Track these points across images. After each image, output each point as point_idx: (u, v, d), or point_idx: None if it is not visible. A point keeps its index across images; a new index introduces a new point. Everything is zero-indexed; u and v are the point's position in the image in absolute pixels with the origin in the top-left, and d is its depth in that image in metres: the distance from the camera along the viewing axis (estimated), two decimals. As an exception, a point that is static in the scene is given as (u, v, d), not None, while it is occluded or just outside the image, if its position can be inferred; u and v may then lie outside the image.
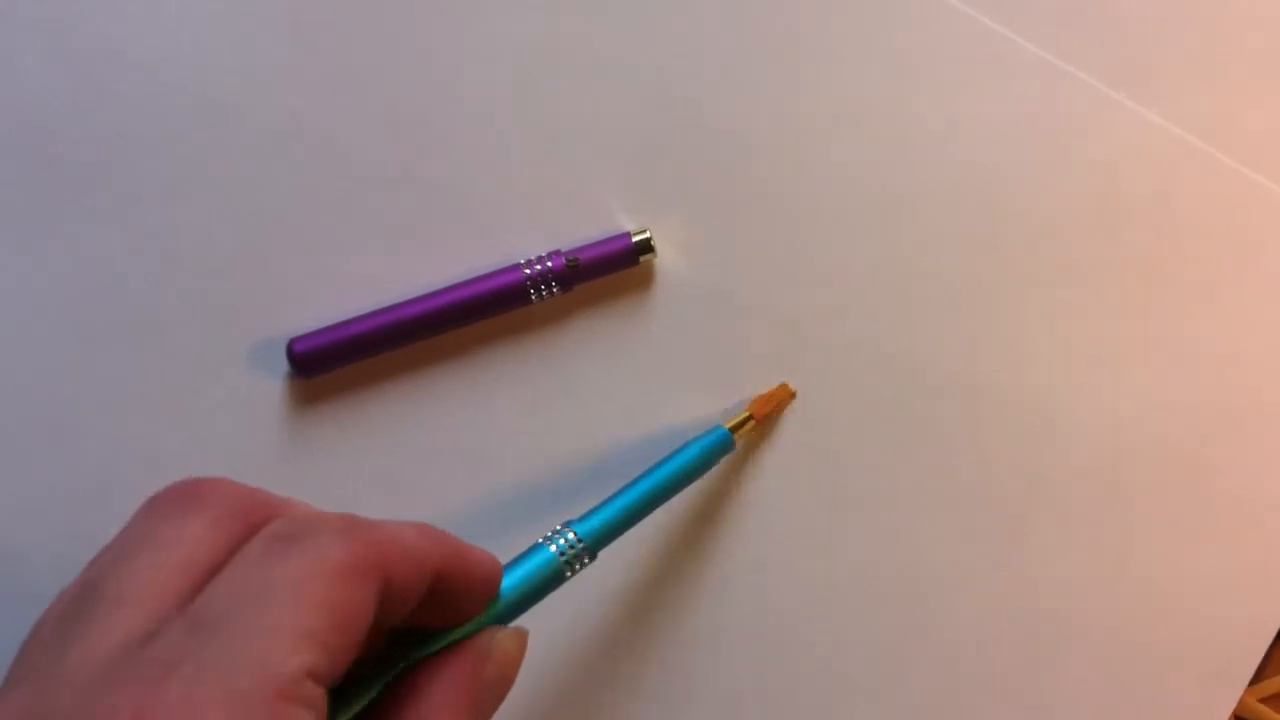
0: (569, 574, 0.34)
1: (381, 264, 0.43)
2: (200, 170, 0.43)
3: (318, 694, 0.25)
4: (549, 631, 0.41)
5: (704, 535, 0.43)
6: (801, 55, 0.43)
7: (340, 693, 0.29)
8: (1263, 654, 0.43)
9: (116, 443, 0.42)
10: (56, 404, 0.42)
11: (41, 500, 0.42)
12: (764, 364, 0.43)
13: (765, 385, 0.43)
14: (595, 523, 0.36)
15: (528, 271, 0.42)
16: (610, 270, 0.42)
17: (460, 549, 0.30)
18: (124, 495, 0.41)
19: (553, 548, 0.34)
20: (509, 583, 0.33)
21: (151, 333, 0.42)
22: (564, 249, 0.42)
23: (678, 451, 0.39)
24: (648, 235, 0.42)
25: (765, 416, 0.42)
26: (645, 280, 0.43)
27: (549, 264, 0.42)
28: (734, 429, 0.41)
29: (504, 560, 0.33)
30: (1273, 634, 0.43)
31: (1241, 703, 0.43)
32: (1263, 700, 0.43)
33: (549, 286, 0.42)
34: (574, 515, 0.36)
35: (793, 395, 0.42)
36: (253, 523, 0.28)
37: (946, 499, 0.43)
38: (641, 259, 0.42)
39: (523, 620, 0.33)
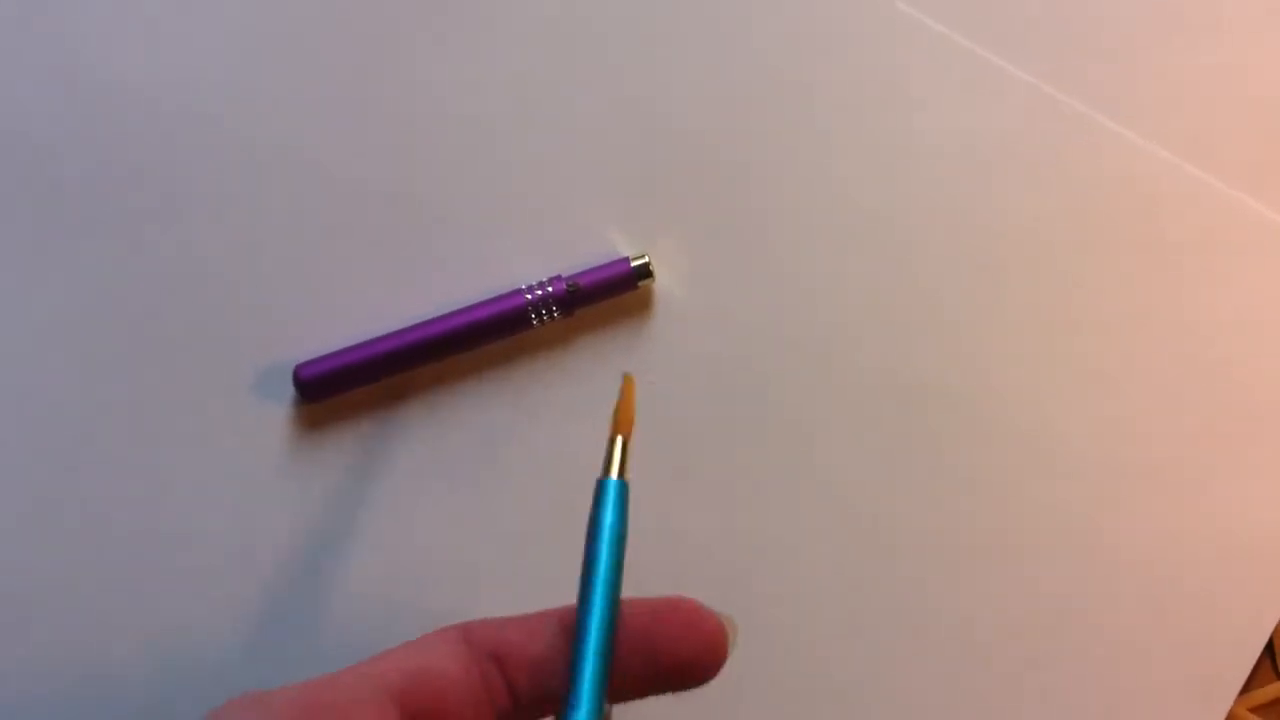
0: None
1: (385, 290, 0.43)
2: (204, 196, 0.43)
3: None
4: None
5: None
6: (793, 83, 0.44)
7: None
8: (1253, 664, 0.43)
9: (121, 467, 0.42)
10: (61, 428, 0.42)
11: (44, 524, 0.42)
12: (763, 385, 0.44)
13: (760, 405, 0.43)
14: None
15: (529, 296, 0.42)
16: (610, 294, 0.43)
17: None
18: (129, 519, 0.42)
19: None
20: None
21: (157, 358, 0.43)
22: (564, 274, 0.43)
23: (591, 562, 0.31)
24: (646, 260, 0.43)
25: (629, 421, 0.33)
26: (644, 304, 0.44)
27: (550, 289, 0.42)
28: (614, 472, 0.32)
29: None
30: (1263, 644, 0.43)
31: (1232, 713, 0.43)
32: (1253, 709, 0.44)
33: (550, 311, 0.42)
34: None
35: (632, 380, 0.34)
36: None
37: (940, 512, 0.43)
38: (640, 283, 0.43)
39: None
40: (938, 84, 0.45)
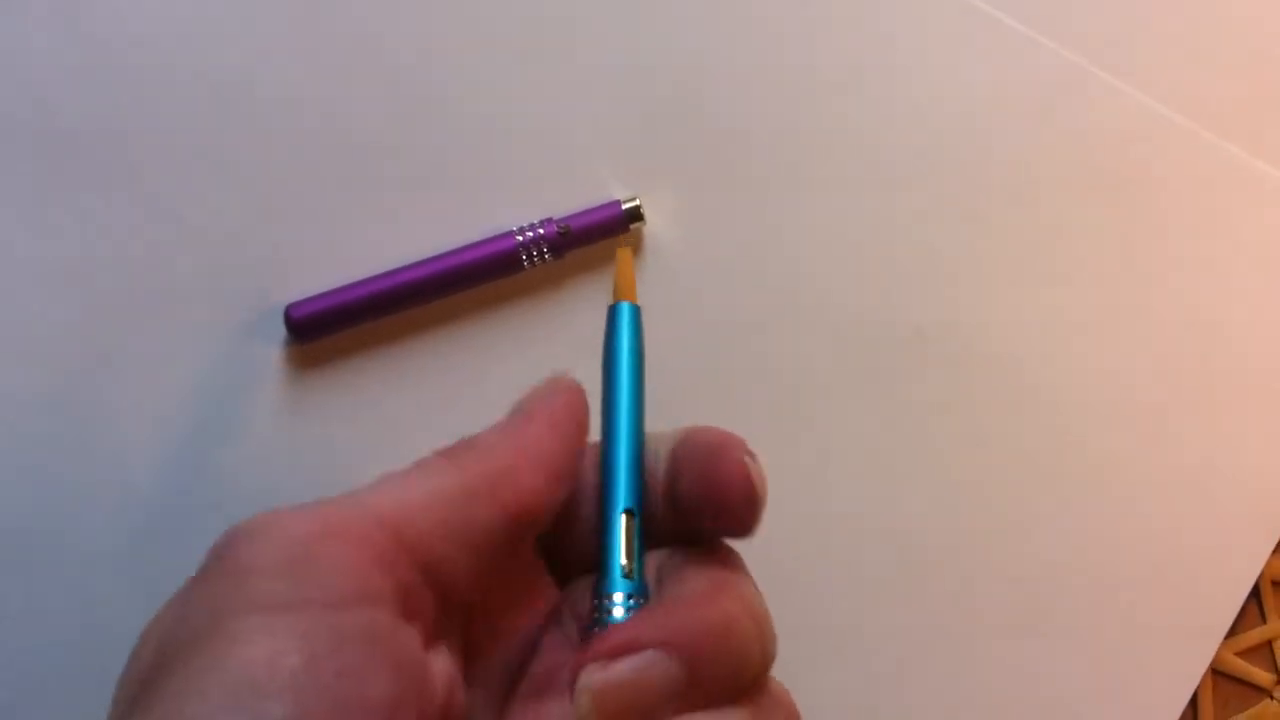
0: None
1: (377, 233, 0.43)
2: (200, 142, 0.43)
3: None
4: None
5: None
6: (788, 30, 0.45)
7: None
8: (1238, 608, 0.44)
9: (118, 408, 0.42)
10: (59, 371, 0.42)
11: (40, 465, 0.42)
12: (752, 328, 0.44)
13: (751, 349, 0.44)
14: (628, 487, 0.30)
15: (520, 238, 0.43)
16: (601, 237, 0.43)
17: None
18: (126, 460, 0.42)
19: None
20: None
21: (152, 300, 0.43)
22: (556, 217, 0.43)
23: (613, 373, 0.31)
24: (637, 203, 0.43)
25: (629, 288, 0.33)
26: (635, 247, 0.44)
27: (541, 231, 0.43)
28: (626, 297, 0.32)
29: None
30: (1248, 589, 0.44)
31: (1218, 656, 0.44)
32: (1238, 653, 0.44)
33: (541, 253, 0.43)
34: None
35: (627, 251, 0.34)
36: None
37: (929, 461, 0.44)
38: (631, 226, 0.43)
39: None
40: (932, 34, 0.45)
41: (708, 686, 0.25)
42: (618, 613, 0.27)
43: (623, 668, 0.24)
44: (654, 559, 0.29)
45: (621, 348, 0.31)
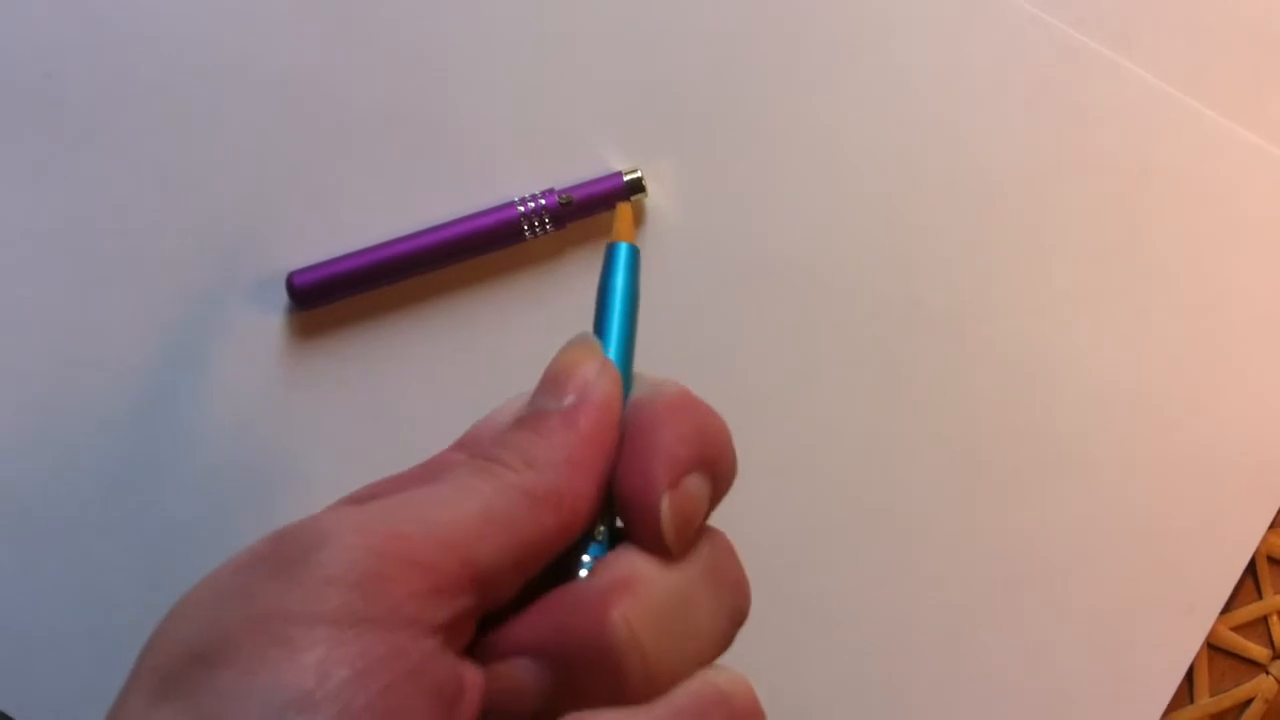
0: None
1: (380, 203, 0.44)
2: (203, 110, 0.44)
3: None
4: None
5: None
6: (789, 4, 0.44)
7: None
8: (1234, 584, 0.44)
9: (118, 374, 0.43)
10: (60, 339, 0.43)
11: (45, 435, 0.42)
12: (751, 302, 0.44)
13: (749, 321, 0.44)
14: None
15: (522, 209, 0.43)
16: (602, 208, 0.43)
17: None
18: (129, 429, 0.43)
19: None
20: None
21: (156, 268, 0.43)
22: (558, 188, 0.43)
23: (605, 312, 0.31)
24: (639, 174, 0.43)
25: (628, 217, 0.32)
26: (636, 219, 0.44)
27: (543, 201, 0.43)
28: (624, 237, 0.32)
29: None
30: (1244, 565, 0.44)
31: (1214, 631, 0.44)
32: (1235, 628, 0.44)
33: (543, 224, 0.43)
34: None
35: (627, 205, 0.33)
36: None
37: (927, 437, 0.44)
38: (633, 198, 0.43)
39: None
40: (932, 8, 0.45)
41: (585, 690, 0.25)
42: (583, 574, 0.27)
43: (495, 673, 0.25)
44: None
45: (615, 287, 0.30)
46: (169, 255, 0.43)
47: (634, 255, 0.31)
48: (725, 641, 0.27)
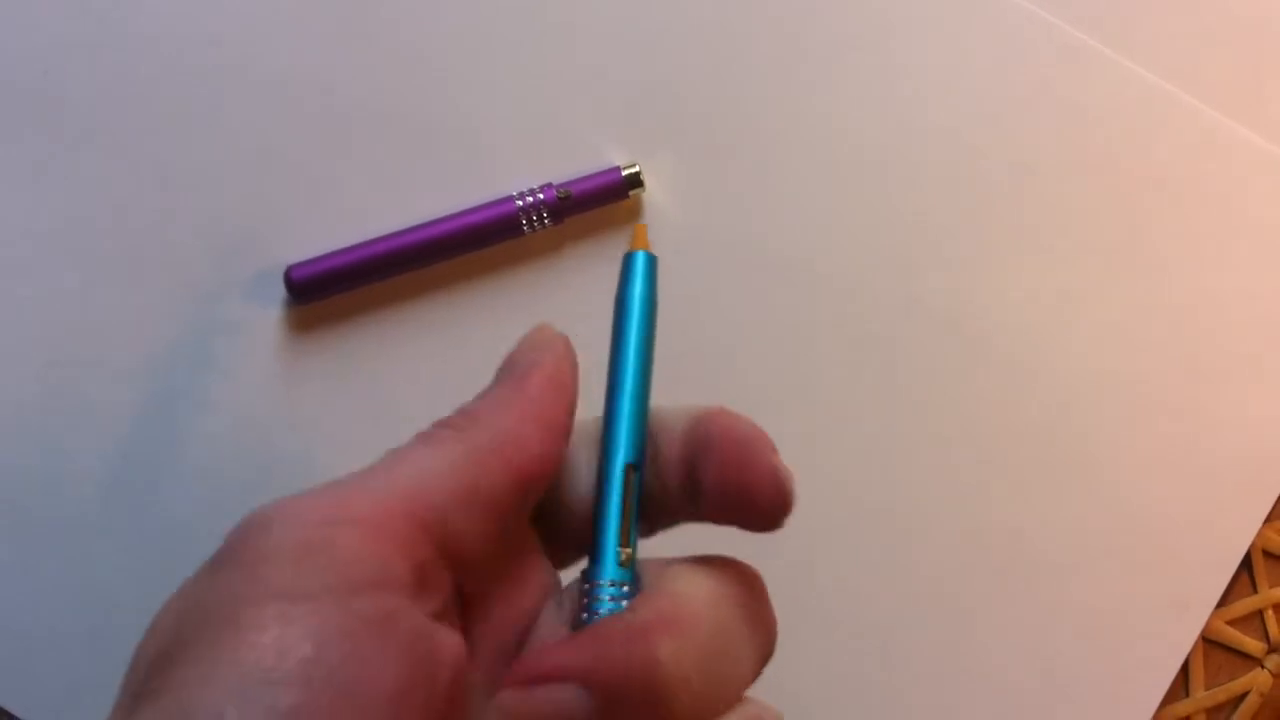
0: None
1: (378, 198, 0.44)
2: (202, 107, 0.43)
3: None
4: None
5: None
6: (789, 2, 0.45)
7: None
8: (1229, 578, 0.44)
9: (120, 371, 0.43)
10: (60, 336, 0.43)
11: (44, 431, 0.42)
12: (749, 297, 0.44)
13: (748, 317, 0.44)
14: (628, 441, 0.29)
15: (520, 203, 0.43)
16: (600, 203, 0.43)
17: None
18: (128, 422, 0.43)
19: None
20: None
21: (154, 263, 0.43)
22: (556, 183, 0.43)
23: (623, 323, 0.31)
24: (637, 170, 0.43)
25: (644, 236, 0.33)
26: (634, 214, 0.44)
27: (541, 196, 0.43)
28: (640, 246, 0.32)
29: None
30: (1239, 559, 0.44)
31: (1209, 625, 0.44)
32: (1230, 622, 0.44)
33: (541, 218, 0.43)
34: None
35: (643, 227, 0.33)
36: None
37: (924, 434, 0.44)
38: (631, 193, 0.43)
39: None
40: (934, 8, 0.45)
41: None
42: (605, 605, 0.27)
43: (539, 697, 0.25)
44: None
45: (633, 296, 0.31)
46: (167, 250, 0.43)
47: (651, 264, 0.31)
48: (754, 680, 0.27)
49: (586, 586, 0.27)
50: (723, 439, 0.28)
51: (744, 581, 0.28)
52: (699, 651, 0.25)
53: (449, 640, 0.25)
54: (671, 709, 0.25)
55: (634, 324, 0.30)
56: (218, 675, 0.22)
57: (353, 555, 0.23)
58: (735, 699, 0.26)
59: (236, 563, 0.23)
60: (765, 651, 0.28)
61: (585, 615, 0.27)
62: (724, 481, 0.27)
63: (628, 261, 0.31)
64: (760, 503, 0.27)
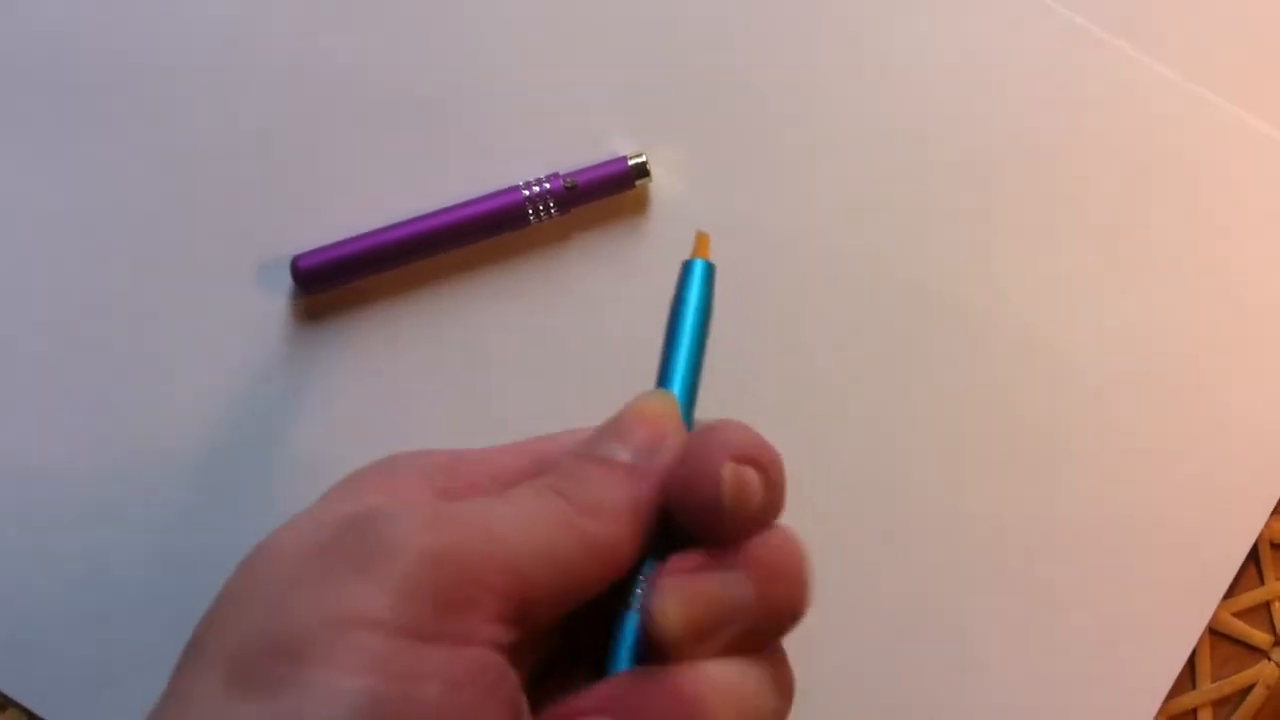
0: None
1: (385, 187, 0.44)
2: (209, 93, 0.43)
3: None
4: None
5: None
6: (795, -15, 0.44)
7: None
8: (1236, 569, 0.44)
9: (125, 358, 0.43)
10: (68, 323, 0.43)
11: (52, 413, 0.43)
12: (757, 287, 0.44)
13: (758, 307, 0.44)
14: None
15: (527, 193, 0.43)
16: (607, 193, 0.43)
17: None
18: (135, 411, 0.43)
19: None
20: None
21: (160, 250, 0.43)
22: (563, 172, 0.43)
23: (679, 315, 0.31)
24: (644, 159, 0.43)
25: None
26: (641, 204, 0.44)
27: (547, 186, 0.43)
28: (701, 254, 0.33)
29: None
30: (1246, 550, 0.44)
31: (1216, 617, 0.44)
32: (1236, 614, 0.44)
33: (547, 208, 0.43)
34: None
35: (705, 236, 0.34)
36: None
37: (930, 423, 0.44)
38: (638, 183, 0.43)
39: None
40: (938, -10, 0.45)
41: None
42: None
43: None
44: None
45: (689, 305, 0.31)
46: (173, 240, 0.43)
47: (709, 274, 0.31)
48: None
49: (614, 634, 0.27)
50: (698, 439, 0.28)
51: (778, 657, 0.28)
52: (730, 697, 0.26)
53: (527, 705, 0.25)
54: None
55: (687, 333, 0.30)
56: (344, 695, 0.22)
57: (481, 618, 0.24)
58: None
59: (375, 581, 0.23)
60: (784, 716, 0.28)
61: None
62: (677, 480, 0.27)
63: (685, 270, 0.31)
64: (698, 499, 0.27)
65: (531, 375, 0.43)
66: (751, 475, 0.27)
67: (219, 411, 0.43)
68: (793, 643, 0.29)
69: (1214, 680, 0.44)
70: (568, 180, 0.43)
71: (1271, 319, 0.44)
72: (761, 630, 0.26)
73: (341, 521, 0.25)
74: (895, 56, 0.44)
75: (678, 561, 0.26)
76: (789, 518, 0.43)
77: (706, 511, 0.27)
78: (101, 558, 0.42)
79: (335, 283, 0.43)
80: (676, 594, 0.25)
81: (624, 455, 0.28)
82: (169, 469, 0.42)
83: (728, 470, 0.26)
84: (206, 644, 0.24)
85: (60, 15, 0.43)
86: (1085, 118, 0.45)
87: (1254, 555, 0.44)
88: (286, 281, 0.43)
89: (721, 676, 0.26)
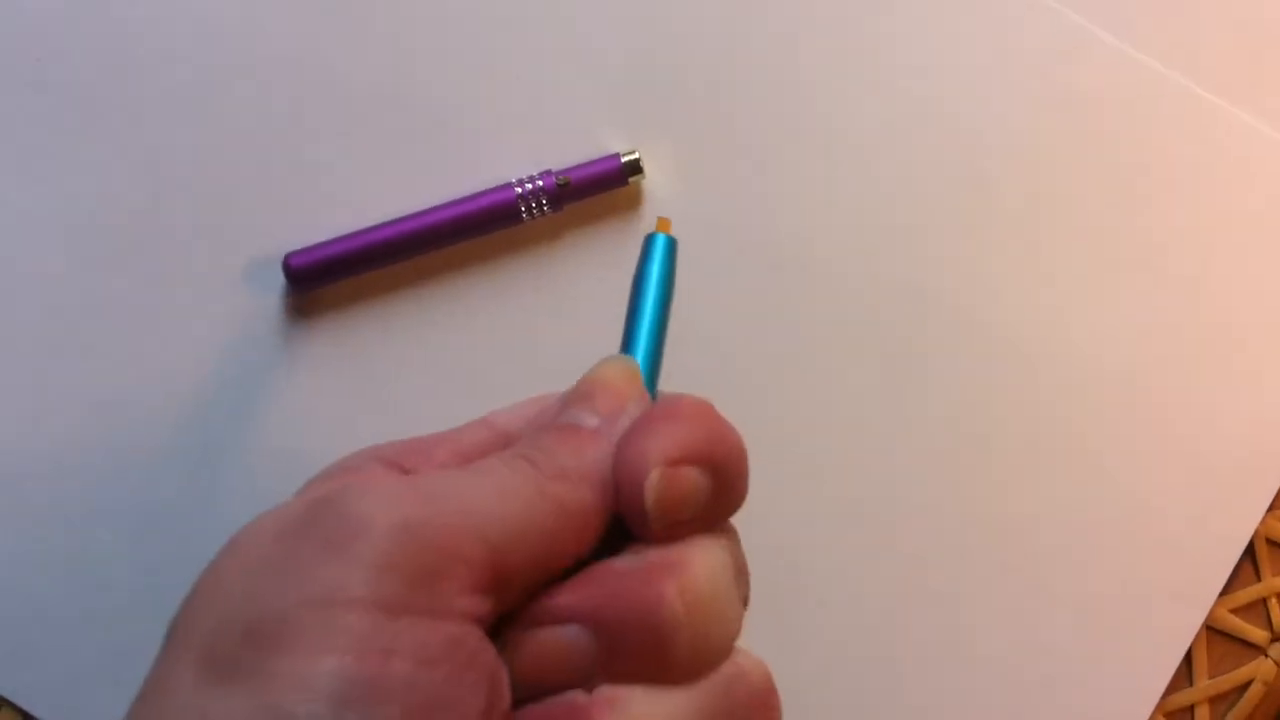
0: None
1: (377, 184, 0.43)
2: (198, 92, 0.43)
3: None
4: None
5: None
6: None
7: None
8: (1233, 566, 0.44)
9: (117, 359, 0.43)
10: (58, 322, 0.43)
11: (46, 417, 0.42)
12: (749, 285, 0.44)
13: (748, 305, 0.44)
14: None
15: (519, 190, 0.43)
16: (600, 190, 0.43)
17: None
18: (126, 410, 0.43)
19: None
20: None
21: (151, 250, 0.43)
22: (555, 169, 0.43)
23: (638, 303, 0.32)
24: (636, 157, 0.43)
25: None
26: (633, 201, 0.44)
27: (540, 183, 0.43)
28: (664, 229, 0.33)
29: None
30: (1243, 546, 0.44)
31: (1213, 613, 0.44)
32: (1233, 610, 0.44)
33: (540, 205, 0.43)
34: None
35: (666, 221, 0.33)
36: None
37: (924, 422, 0.44)
38: (630, 180, 0.43)
39: None
40: (931, -13, 0.45)
41: (630, 663, 0.25)
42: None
43: (545, 637, 0.25)
44: None
45: (651, 276, 0.31)
46: (164, 239, 0.43)
47: (671, 247, 0.31)
48: (740, 631, 0.28)
49: None
50: (638, 426, 0.27)
51: (728, 530, 0.28)
52: (700, 595, 0.25)
53: (503, 672, 0.25)
54: (673, 650, 0.25)
55: (648, 307, 0.31)
56: (320, 676, 0.22)
57: (455, 589, 0.24)
58: (729, 647, 0.26)
59: (346, 560, 0.23)
60: (746, 601, 0.28)
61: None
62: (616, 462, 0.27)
63: (648, 242, 0.31)
64: (626, 499, 0.27)
65: (523, 372, 0.43)
66: (688, 477, 0.26)
67: (211, 410, 0.43)
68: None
69: (1211, 677, 0.44)
70: (560, 177, 0.43)
71: (1267, 317, 0.44)
72: (631, 676, 0.25)
73: (310, 504, 0.24)
74: (891, 54, 0.44)
75: (527, 611, 0.26)
76: (788, 517, 0.43)
77: (635, 518, 0.26)
78: (93, 557, 0.42)
79: (327, 280, 0.43)
80: (518, 657, 0.25)
81: (589, 420, 0.28)
82: (161, 467, 0.42)
83: (654, 477, 0.26)
84: (179, 634, 0.24)
85: (47, 14, 0.43)
86: (1080, 116, 0.44)
87: (1250, 552, 0.44)
88: (278, 279, 0.43)
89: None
